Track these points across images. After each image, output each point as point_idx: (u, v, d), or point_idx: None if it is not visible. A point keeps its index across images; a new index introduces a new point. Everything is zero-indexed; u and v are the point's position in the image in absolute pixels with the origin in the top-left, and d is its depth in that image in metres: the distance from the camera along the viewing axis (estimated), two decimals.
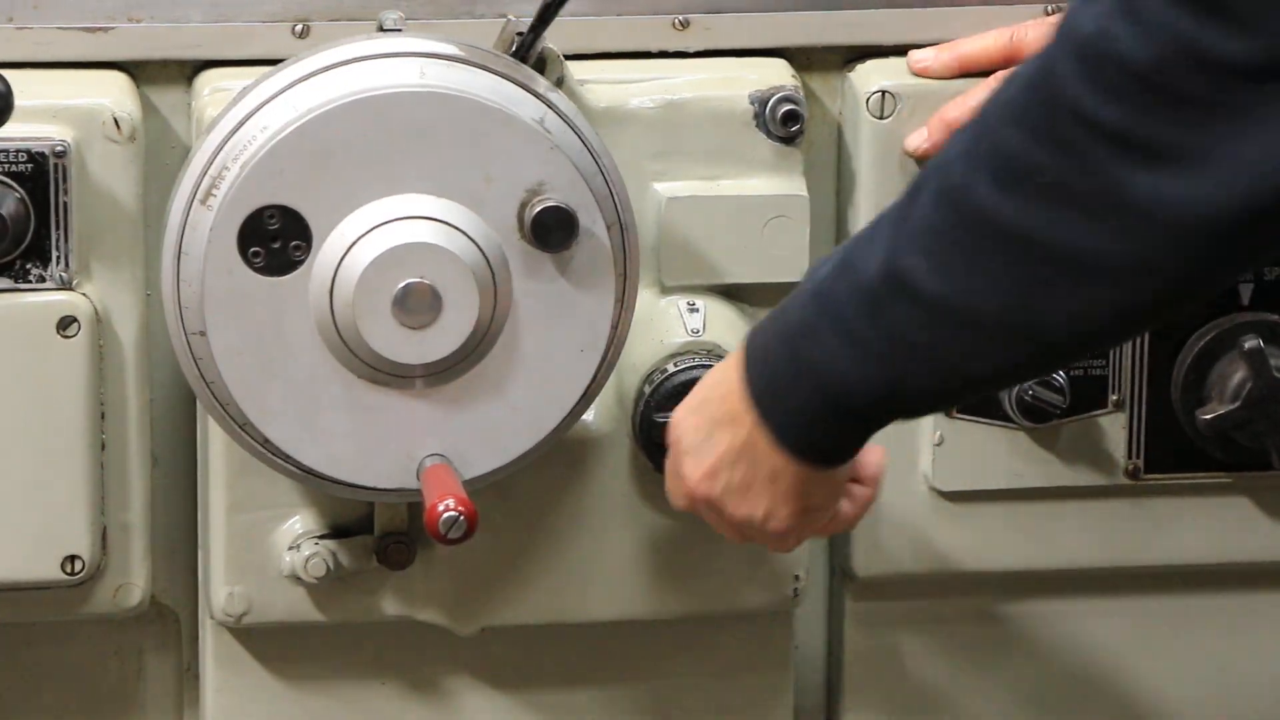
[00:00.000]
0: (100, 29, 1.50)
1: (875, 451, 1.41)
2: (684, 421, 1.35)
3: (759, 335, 1.27)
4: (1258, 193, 0.98)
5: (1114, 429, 1.61)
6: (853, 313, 1.16)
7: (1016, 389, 1.56)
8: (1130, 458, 1.63)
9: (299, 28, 1.51)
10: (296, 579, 1.47)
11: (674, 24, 1.50)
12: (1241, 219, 0.99)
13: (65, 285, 1.45)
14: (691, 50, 1.51)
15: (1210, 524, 1.66)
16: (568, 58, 1.45)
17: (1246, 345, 1.58)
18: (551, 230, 1.32)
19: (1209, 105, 0.98)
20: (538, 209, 1.29)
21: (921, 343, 1.14)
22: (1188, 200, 0.99)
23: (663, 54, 1.53)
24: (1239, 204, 0.99)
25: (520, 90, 1.37)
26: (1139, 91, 0.99)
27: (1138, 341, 1.61)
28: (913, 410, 1.27)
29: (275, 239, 1.36)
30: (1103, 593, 1.70)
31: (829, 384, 1.20)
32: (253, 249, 1.34)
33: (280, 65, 1.42)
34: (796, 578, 1.56)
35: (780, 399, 1.24)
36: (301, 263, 1.36)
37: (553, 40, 1.41)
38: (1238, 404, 1.58)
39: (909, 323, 1.14)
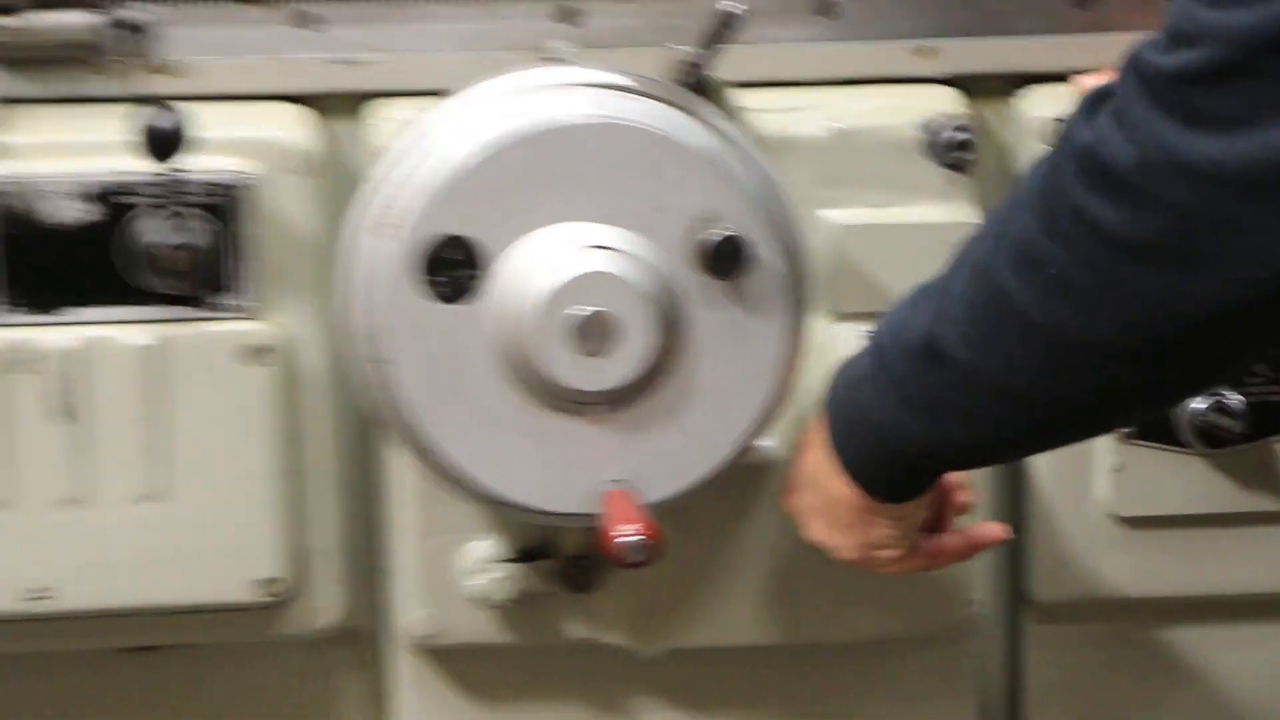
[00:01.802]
0: (278, 59, 1.53)
1: (986, 527, 1.46)
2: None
3: (838, 374, 1.32)
4: (1250, 288, 1.02)
5: None
6: (902, 371, 1.22)
7: (1189, 413, 1.53)
8: None
9: (470, 58, 1.50)
10: (482, 602, 1.47)
11: (838, 51, 1.49)
12: (1238, 311, 1.04)
13: (253, 315, 1.46)
14: (862, 77, 1.49)
15: None
16: (733, 85, 1.43)
17: None
18: (724, 258, 1.33)
19: (1197, 211, 1.01)
20: (710, 238, 1.30)
21: (959, 405, 1.21)
22: (1186, 297, 1.05)
23: (829, 82, 1.51)
24: (1234, 299, 1.03)
25: (690, 119, 1.38)
26: (1132, 196, 1.03)
27: None
28: (960, 464, 1.34)
29: (454, 267, 1.37)
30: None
31: (884, 431, 1.27)
32: (432, 277, 1.36)
33: (454, 96, 1.43)
34: (972, 602, 1.53)
35: (847, 436, 1.31)
36: (480, 290, 1.37)
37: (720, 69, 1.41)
38: None
39: (947, 386, 1.21)
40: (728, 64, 1.46)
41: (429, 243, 1.36)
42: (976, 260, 1.19)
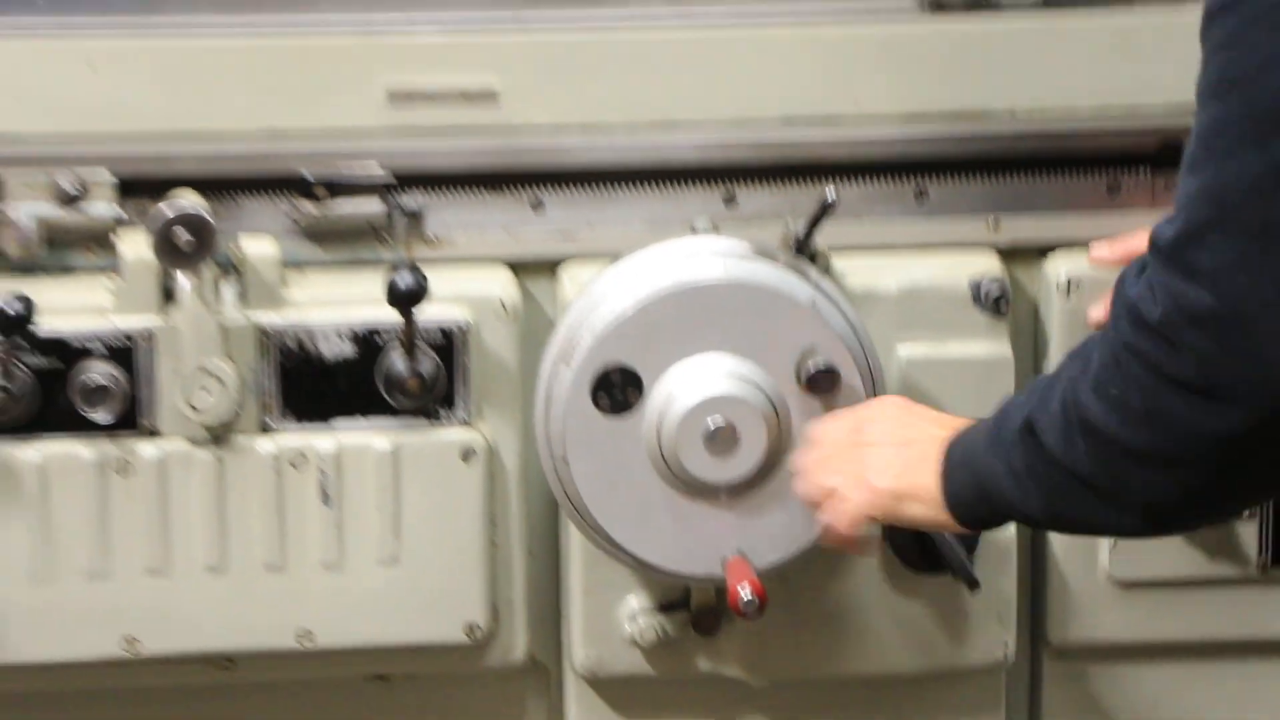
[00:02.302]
0: (511, 233, 1.78)
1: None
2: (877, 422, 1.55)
3: (962, 434, 1.49)
4: (1266, 412, 1.21)
5: (1248, 532, 1.78)
6: (1009, 438, 1.41)
7: None
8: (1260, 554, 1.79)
9: (650, 231, 1.74)
10: (634, 643, 1.71)
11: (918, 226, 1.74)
12: (1257, 430, 1.22)
13: (466, 424, 1.72)
14: (933, 243, 1.74)
15: None
16: (833, 250, 1.70)
17: None
18: (820, 383, 1.60)
19: (1211, 354, 1.21)
20: (810, 368, 1.58)
21: (1041, 483, 1.39)
22: (1214, 420, 1.23)
23: (899, 247, 1.76)
24: (1254, 421, 1.22)
25: (797, 277, 1.66)
26: (1166, 342, 1.23)
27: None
28: (1027, 521, 1.52)
29: (617, 388, 1.63)
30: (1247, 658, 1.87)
31: (982, 476, 1.45)
32: (600, 396, 1.60)
33: (620, 260, 1.67)
34: (1005, 642, 1.74)
35: (957, 466, 1.48)
36: (636, 406, 1.61)
37: (820, 239, 1.67)
38: None
39: (1035, 467, 1.40)
40: (832, 234, 1.72)
41: (598, 370, 1.62)
42: (1069, 374, 1.35)
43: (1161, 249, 1.24)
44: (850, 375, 1.63)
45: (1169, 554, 1.83)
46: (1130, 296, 1.29)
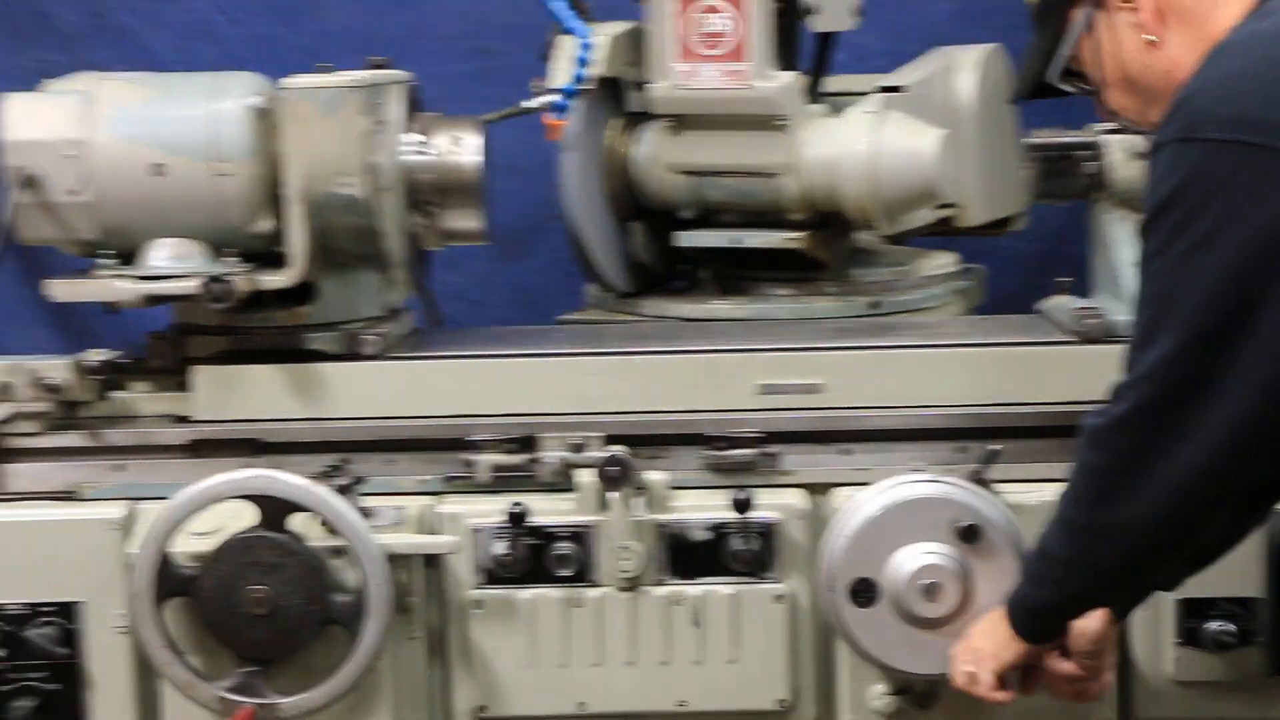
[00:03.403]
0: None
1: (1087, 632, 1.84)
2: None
3: (1008, 598, 1.88)
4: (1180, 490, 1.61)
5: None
6: (1030, 569, 1.83)
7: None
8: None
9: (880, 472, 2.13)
10: (879, 712, 2.18)
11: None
12: (1185, 503, 1.62)
13: (777, 582, 2.19)
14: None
15: None
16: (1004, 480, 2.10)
17: None
18: (966, 535, 2.03)
19: (1129, 448, 1.62)
20: (964, 525, 2.01)
21: (1060, 583, 1.77)
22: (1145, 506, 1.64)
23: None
24: (1175, 501, 1.61)
25: (975, 495, 2.08)
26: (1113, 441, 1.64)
27: None
28: (1066, 615, 1.80)
29: (863, 589, 2.07)
30: None
31: (1027, 601, 1.83)
32: (852, 596, 2.07)
33: (863, 489, 2.13)
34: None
35: (1014, 608, 1.85)
36: (877, 598, 2.07)
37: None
38: None
39: (1050, 577, 1.78)
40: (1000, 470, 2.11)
41: (849, 580, 2.09)
42: (1061, 510, 1.73)
43: (1112, 391, 1.65)
44: (999, 537, 2.06)
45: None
46: (1091, 423, 1.70)
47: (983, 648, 1.90)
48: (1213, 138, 1.54)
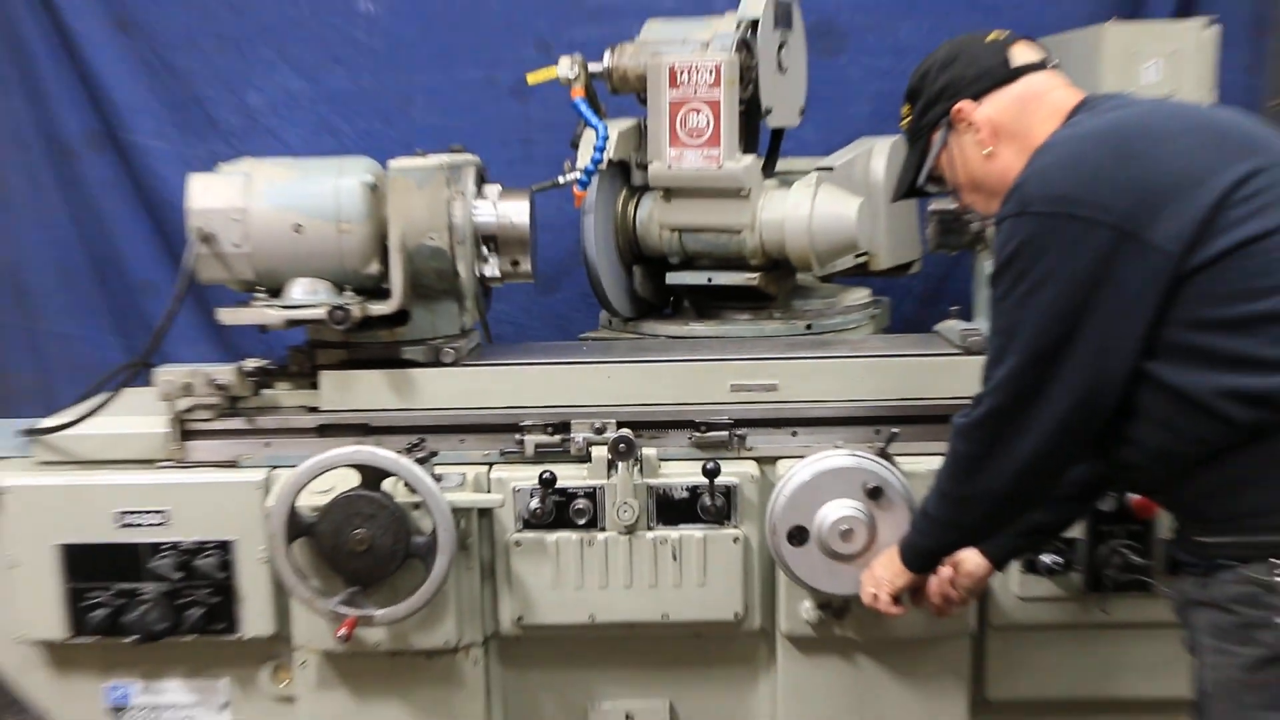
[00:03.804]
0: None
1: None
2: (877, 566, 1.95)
3: (900, 542, 1.89)
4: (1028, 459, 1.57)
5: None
6: (918, 524, 1.84)
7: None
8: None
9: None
10: (807, 621, 2.16)
11: None
12: (1027, 469, 1.58)
13: (735, 527, 2.14)
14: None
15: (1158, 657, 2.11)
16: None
17: None
18: (873, 494, 2.03)
19: (1002, 442, 1.58)
20: (871, 488, 2.01)
21: (938, 528, 1.78)
22: (1001, 472, 1.61)
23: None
24: (1022, 468, 1.58)
25: (880, 465, 2.05)
26: (974, 436, 1.62)
27: None
28: (939, 556, 1.84)
29: (796, 535, 2.06)
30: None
31: (915, 544, 1.86)
32: (789, 538, 2.06)
33: (798, 460, 2.09)
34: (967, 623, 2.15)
35: (905, 548, 1.88)
36: (809, 540, 2.07)
37: None
38: None
39: (928, 530, 1.81)
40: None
41: (787, 527, 2.09)
42: (937, 482, 1.75)
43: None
44: (896, 496, 2.07)
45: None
46: (958, 422, 1.68)
47: (882, 575, 1.95)
48: (1039, 211, 1.53)
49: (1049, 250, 1.49)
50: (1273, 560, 1.46)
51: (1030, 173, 1.57)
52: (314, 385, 2.32)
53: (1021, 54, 1.71)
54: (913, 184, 1.85)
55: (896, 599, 1.94)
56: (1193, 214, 1.45)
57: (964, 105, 1.71)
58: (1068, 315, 1.50)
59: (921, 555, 1.87)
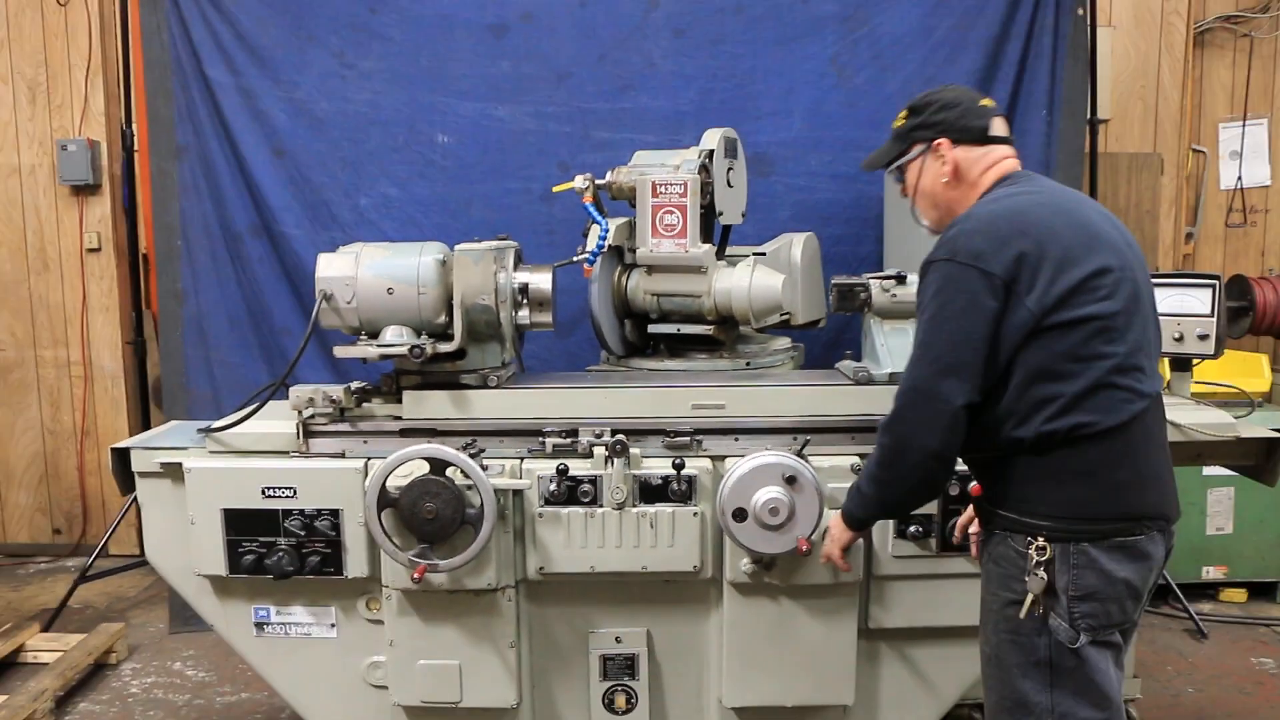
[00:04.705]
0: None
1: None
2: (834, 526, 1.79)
3: (846, 501, 1.70)
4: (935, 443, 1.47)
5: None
6: (855, 497, 1.69)
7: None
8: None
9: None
10: (745, 571, 2.03)
11: None
12: (942, 448, 1.48)
13: (695, 505, 2.01)
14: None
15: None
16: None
17: None
18: (791, 481, 1.91)
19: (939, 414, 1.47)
20: (789, 476, 1.89)
21: (870, 502, 1.66)
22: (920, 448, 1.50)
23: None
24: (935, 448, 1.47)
25: (796, 461, 1.94)
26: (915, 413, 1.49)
27: None
28: (872, 520, 1.72)
29: (740, 515, 1.92)
30: None
31: (853, 511, 1.72)
32: (738, 519, 1.92)
33: (739, 459, 1.99)
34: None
35: (847, 517, 1.76)
36: (747, 517, 1.92)
37: None
38: None
39: (865, 497, 1.66)
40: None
41: (732, 508, 1.97)
42: (867, 466, 1.63)
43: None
44: (808, 484, 1.95)
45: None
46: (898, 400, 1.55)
47: (836, 536, 1.85)
48: (960, 261, 1.50)
49: (961, 291, 1.47)
50: (1029, 538, 1.48)
51: (958, 231, 1.52)
52: (399, 400, 2.23)
53: (998, 127, 1.66)
54: (882, 168, 1.75)
55: (844, 554, 1.85)
56: (1056, 290, 1.45)
57: (945, 142, 1.65)
58: (970, 339, 1.46)
59: (857, 520, 1.76)
